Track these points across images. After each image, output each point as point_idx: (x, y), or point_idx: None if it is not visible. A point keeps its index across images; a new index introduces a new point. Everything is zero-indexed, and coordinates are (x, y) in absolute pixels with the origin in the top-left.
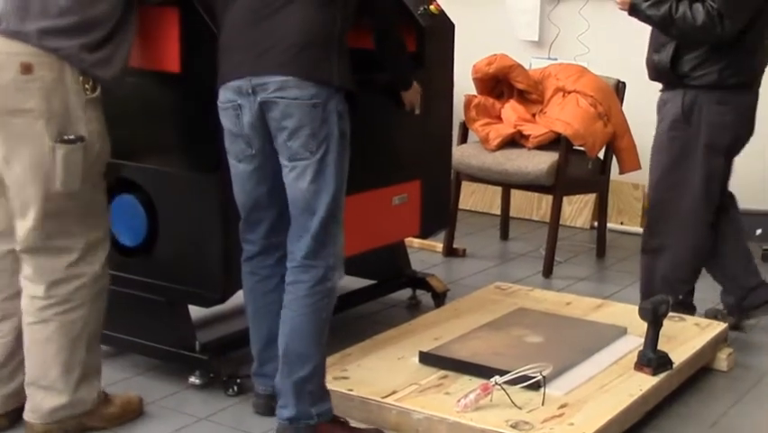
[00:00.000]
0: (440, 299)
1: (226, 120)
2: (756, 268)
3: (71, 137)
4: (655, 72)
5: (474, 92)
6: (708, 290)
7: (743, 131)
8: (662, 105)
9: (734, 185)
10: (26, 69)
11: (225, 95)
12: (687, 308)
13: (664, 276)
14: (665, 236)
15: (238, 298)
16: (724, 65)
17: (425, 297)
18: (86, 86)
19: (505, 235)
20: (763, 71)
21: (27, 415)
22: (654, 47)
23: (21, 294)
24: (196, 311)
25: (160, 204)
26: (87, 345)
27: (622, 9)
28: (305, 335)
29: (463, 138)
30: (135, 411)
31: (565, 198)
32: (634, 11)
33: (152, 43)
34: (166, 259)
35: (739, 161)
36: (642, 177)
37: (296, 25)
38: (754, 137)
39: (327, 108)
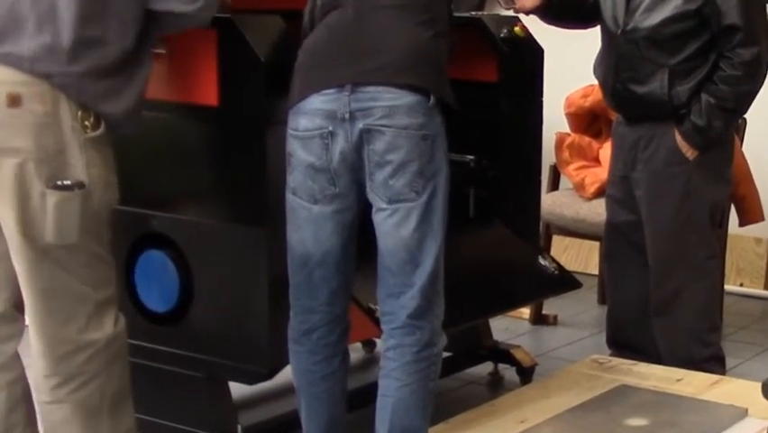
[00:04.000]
0: (526, 374)
1: (306, 152)
2: None
3: (66, 183)
4: (639, 106)
5: (567, 130)
6: None
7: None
8: (646, 141)
9: None
10: (13, 101)
11: (312, 121)
12: (720, 362)
13: (690, 331)
14: (678, 287)
15: (287, 373)
16: None
17: (508, 372)
18: (86, 122)
19: (604, 299)
20: None
21: None
22: (631, 77)
23: (6, 366)
24: (238, 389)
25: (195, 261)
26: (111, 413)
27: (692, 156)
28: (411, 407)
29: (554, 184)
30: None
31: None
32: (706, 142)
33: (185, 71)
34: (202, 327)
35: None
36: (765, 230)
37: (406, 39)
38: None
39: (437, 142)
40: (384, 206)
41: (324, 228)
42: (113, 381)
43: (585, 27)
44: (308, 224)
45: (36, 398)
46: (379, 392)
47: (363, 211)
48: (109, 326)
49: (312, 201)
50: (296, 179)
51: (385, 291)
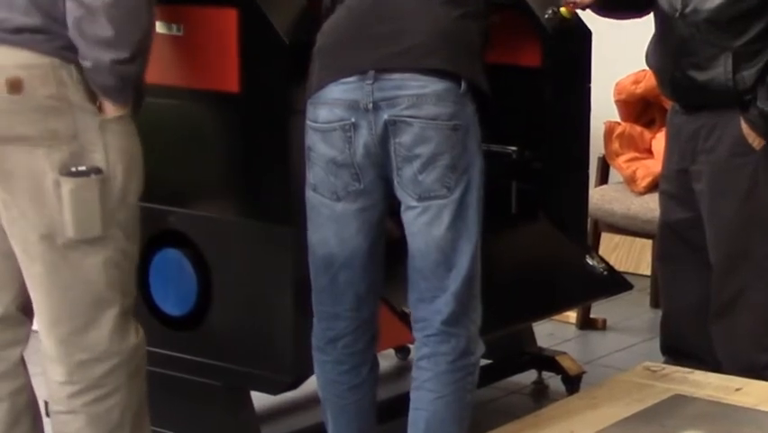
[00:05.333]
0: (573, 383)
1: (327, 145)
2: None
3: (81, 169)
4: (700, 94)
5: (617, 118)
6: None
7: None
8: (707, 131)
9: None
10: (14, 86)
11: (333, 112)
12: None
13: (751, 335)
14: (740, 288)
15: (313, 382)
16: None
17: (553, 380)
18: (99, 104)
19: (656, 302)
20: None
21: None
22: (691, 63)
23: (10, 374)
24: (260, 399)
25: (214, 261)
26: (132, 431)
27: (759, 145)
28: (447, 421)
29: (603, 177)
30: None
31: None
32: None
33: (204, 55)
34: (222, 332)
35: None
36: None
37: (432, 20)
38: None
39: (469, 132)
40: (414, 203)
41: (349, 227)
42: (134, 397)
43: (639, 16)
44: (331, 223)
45: (51, 407)
46: (412, 405)
47: (391, 208)
48: (133, 335)
49: (334, 198)
50: (316, 174)
51: (416, 295)
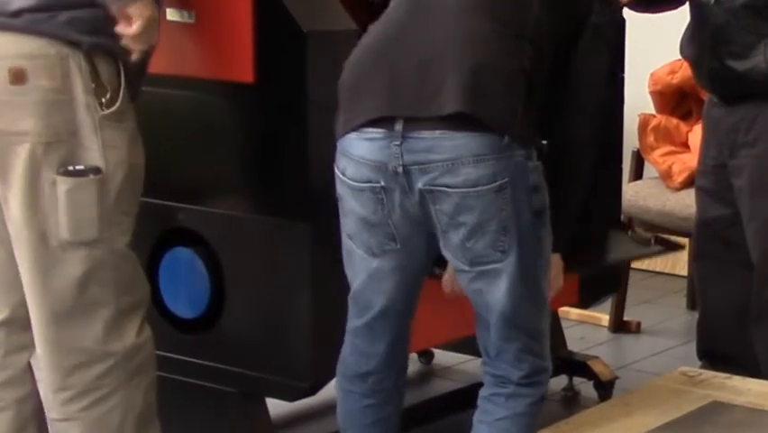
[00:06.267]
0: (606, 389)
1: (358, 203)
2: None
3: (79, 168)
4: (740, 84)
5: (652, 110)
6: None
7: None
8: (748, 123)
9: None
10: (17, 77)
11: (360, 171)
12: None
13: None
14: None
15: (331, 389)
16: None
17: (585, 386)
18: (102, 98)
19: (693, 304)
20: None
21: None
22: (729, 52)
23: (16, 380)
24: (276, 406)
25: (227, 261)
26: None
27: None
28: None
29: (638, 172)
30: None
31: None
32: None
33: (216, 44)
34: (236, 336)
35: None
36: None
37: (468, 54)
38: None
39: (518, 187)
40: (465, 267)
41: (387, 282)
42: (136, 398)
43: (676, 7)
44: (367, 275)
45: (48, 415)
46: None
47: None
48: (130, 335)
49: (370, 254)
50: (349, 226)
51: (485, 341)
